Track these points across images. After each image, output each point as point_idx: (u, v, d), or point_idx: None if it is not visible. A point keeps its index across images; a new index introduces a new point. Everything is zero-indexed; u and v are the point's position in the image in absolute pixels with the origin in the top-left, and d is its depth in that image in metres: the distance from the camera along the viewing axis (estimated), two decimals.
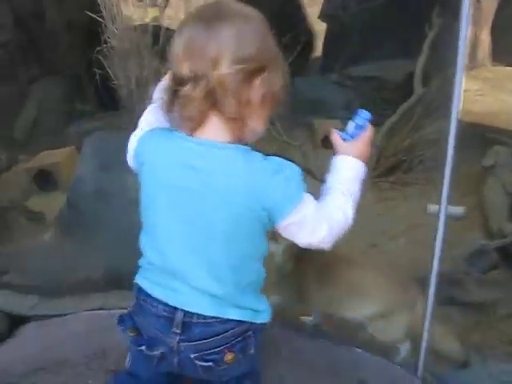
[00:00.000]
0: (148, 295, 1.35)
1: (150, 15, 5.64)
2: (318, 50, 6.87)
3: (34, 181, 4.13)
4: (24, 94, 5.02)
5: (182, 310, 1.31)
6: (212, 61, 1.19)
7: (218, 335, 1.32)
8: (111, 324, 1.39)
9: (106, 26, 3.24)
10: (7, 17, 4.80)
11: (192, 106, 1.21)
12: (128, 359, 1.45)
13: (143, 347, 1.36)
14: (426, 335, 1.62)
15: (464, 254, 3.43)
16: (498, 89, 6.29)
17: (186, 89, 1.19)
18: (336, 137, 1.42)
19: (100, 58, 3.23)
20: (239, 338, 1.34)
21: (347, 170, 1.39)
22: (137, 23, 3.34)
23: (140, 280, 1.39)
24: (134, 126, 1.44)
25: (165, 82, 1.38)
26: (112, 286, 2.33)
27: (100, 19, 3.22)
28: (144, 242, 1.38)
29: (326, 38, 6.53)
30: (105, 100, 4.77)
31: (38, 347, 1.72)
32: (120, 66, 3.25)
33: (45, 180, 4.13)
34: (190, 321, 1.31)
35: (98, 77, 3.20)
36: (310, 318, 2.36)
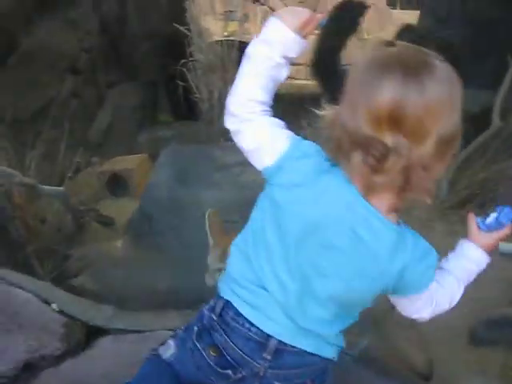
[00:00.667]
0: (239, 314, 1.28)
1: (228, 29, 5.70)
2: None
3: (106, 185, 4.20)
4: (102, 98, 5.13)
5: (278, 338, 1.27)
6: (421, 136, 1.10)
7: (307, 366, 1.29)
8: None
9: (191, 38, 3.25)
10: (94, 22, 4.93)
11: (381, 177, 1.11)
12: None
13: (229, 371, 1.29)
14: None
15: None
16: None
17: (391, 161, 1.09)
18: (472, 221, 1.39)
19: (184, 70, 3.26)
20: (320, 372, 1.32)
21: (471, 261, 1.39)
22: (222, 38, 3.35)
23: (230, 296, 1.30)
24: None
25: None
26: (183, 304, 2.30)
27: (187, 32, 3.24)
28: (246, 254, 1.28)
29: None
30: (180, 111, 4.82)
31: (117, 363, 1.71)
32: (203, 80, 3.26)
33: (117, 185, 4.19)
34: (283, 348, 1.27)
35: (180, 88, 3.23)
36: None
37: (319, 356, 1.29)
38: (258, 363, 1.27)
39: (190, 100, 3.61)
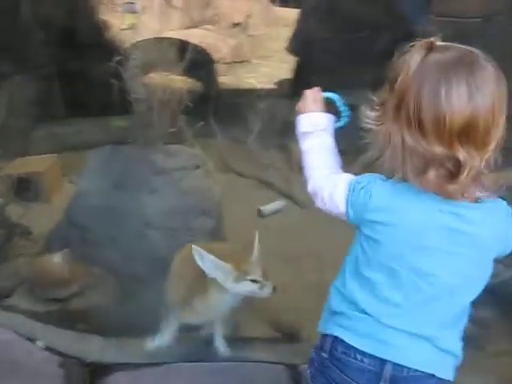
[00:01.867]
0: (349, 347, 1.27)
1: (126, 22, 5.43)
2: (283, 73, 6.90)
3: (13, 190, 3.80)
4: None
5: (392, 362, 1.26)
6: (487, 143, 1.15)
7: None
8: None
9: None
10: None
11: (454, 186, 1.17)
12: None
13: None
14: None
15: None
16: None
17: (463, 175, 1.14)
18: None
19: (119, 68, 3.03)
20: None
21: None
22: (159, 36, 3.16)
23: (338, 330, 1.30)
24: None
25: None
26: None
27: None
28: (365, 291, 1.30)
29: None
30: (76, 105, 4.54)
31: None
32: (140, 79, 3.06)
33: (25, 189, 3.80)
34: (399, 375, 1.26)
35: (115, 87, 3.00)
36: None
37: (436, 377, 1.28)
38: None
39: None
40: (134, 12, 5.44)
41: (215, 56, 6.19)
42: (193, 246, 1.94)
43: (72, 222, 3.07)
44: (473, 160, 1.13)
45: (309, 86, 1.53)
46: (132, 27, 5.32)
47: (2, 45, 4.62)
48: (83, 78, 4.48)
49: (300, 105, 1.48)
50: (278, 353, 2.19)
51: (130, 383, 1.59)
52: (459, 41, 1.23)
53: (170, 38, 3.09)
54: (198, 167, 2.91)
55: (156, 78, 3.14)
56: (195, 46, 3.31)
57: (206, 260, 1.91)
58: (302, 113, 1.47)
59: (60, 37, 4.66)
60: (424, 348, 1.27)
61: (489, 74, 1.14)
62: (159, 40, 3.08)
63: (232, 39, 6.88)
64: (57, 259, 2.64)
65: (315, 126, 1.44)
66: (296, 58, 6.14)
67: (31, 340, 1.65)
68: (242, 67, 6.91)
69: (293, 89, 6.31)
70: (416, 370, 1.26)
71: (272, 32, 7.92)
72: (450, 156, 1.13)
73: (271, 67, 7.17)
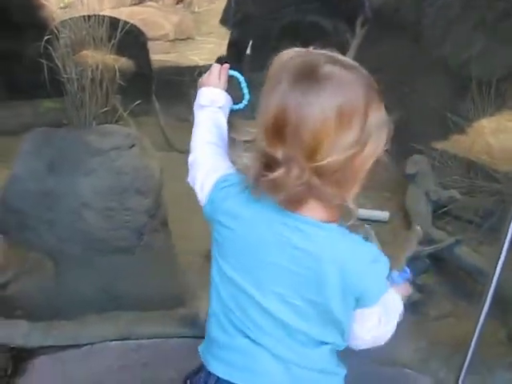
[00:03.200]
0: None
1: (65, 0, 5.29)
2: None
3: None
4: None
5: None
6: (309, 148, 1.04)
7: None
8: None
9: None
10: None
11: (282, 193, 1.09)
12: None
13: None
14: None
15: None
16: None
17: (277, 173, 1.06)
18: None
19: (49, 48, 2.97)
20: None
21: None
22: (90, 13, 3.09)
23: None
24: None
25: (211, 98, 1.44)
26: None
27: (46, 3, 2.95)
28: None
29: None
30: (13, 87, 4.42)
31: None
32: (71, 59, 3.00)
33: None
34: None
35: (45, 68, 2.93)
36: None
37: None
38: None
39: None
40: None
41: (158, 34, 6.11)
42: None
43: (7, 207, 3.01)
44: (295, 164, 1.05)
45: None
46: (69, 6, 5.18)
47: None
48: (19, 59, 4.35)
49: (204, 78, 1.48)
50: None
51: (53, 366, 1.58)
52: None
53: (101, 16, 3.02)
54: (133, 146, 2.87)
55: (87, 56, 3.07)
56: (127, 24, 3.25)
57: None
58: (205, 86, 1.47)
59: None
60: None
61: (328, 85, 1.06)
62: (89, 18, 3.01)
63: (175, 16, 6.78)
64: None
65: (213, 102, 1.44)
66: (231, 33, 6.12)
67: None
68: (186, 44, 6.83)
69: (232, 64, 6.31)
70: None
71: (215, 8, 7.85)
72: (269, 155, 1.08)
73: (214, 43, 7.12)
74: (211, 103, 1.44)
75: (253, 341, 1.21)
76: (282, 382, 1.21)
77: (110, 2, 6.77)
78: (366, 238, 1.25)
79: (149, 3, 6.96)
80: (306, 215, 1.14)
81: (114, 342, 1.57)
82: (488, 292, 1.74)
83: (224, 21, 6.73)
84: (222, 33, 7.52)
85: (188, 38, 7.03)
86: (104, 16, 3.02)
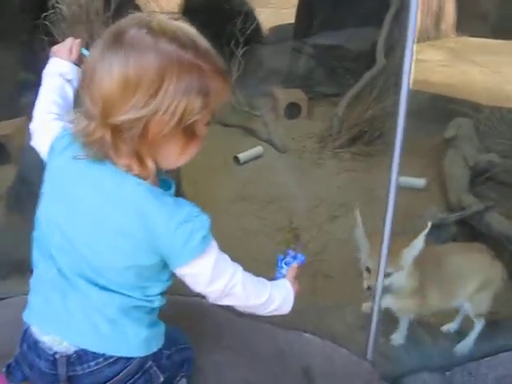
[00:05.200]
0: None
1: None
2: (280, 18, 6.79)
3: None
4: None
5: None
6: (104, 107, 1.10)
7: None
8: None
9: None
10: None
11: (87, 141, 1.15)
12: None
13: None
14: (374, 317, 1.56)
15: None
16: (461, 59, 6.29)
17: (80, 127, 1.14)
18: None
19: (47, 24, 3.08)
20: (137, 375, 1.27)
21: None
22: None
23: None
24: None
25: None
26: None
27: None
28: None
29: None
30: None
31: None
32: (69, 33, 3.10)
33: None
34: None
35: (46, 43, 3.05)
36: None
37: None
38: None
39: None
40: None
41: None
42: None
43: (22, 178, 3.19)
44: (94, 120, 1.11)
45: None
46: None
47: None
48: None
49: (56, 48, 1.51)
50: None
51: None
52: None
53: None
54: None
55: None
56: None
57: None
58: (55, 56, 1.50)
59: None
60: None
61: (122, 50, 1.09)
62: None
63: None
64: None
65: (62, 74, 1.48)
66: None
67: None
68: (239, 15, 6.78)
69: (287, 34, 6.25)
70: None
71: None
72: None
73: (269, 14, 7.05)
74: (60, 75, 1.49)
75: None
76: None
77: None
78: None
79: None
80: (120, 166, 1.16)
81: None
82: None
83: None
84: (280, 2, 7.44)
85: (241, 10, 7.01)
86: None
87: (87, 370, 1.22)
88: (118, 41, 1.10)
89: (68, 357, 1.21)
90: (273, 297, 1.34)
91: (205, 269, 1.20)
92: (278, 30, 6.46)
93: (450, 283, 2.33)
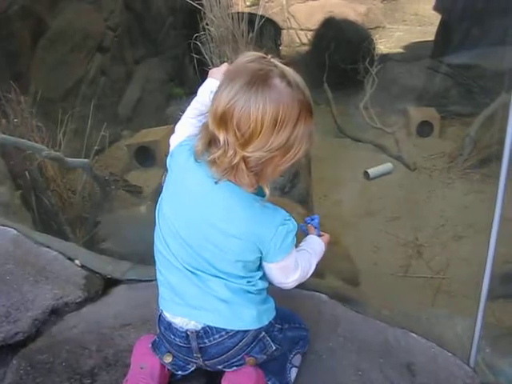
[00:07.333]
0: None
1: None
2: (415, 35, 6.81)
3: (135, 157, 4.43)
4: (129, 73, 5.32)
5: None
6: (244, 139, 1.28)
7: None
8: None
9: (204, 12, 3.40)
10: (117, 2, 5.12)
11: (216, 167, 1.33)
12: None
13: None
14: (478, 322, 1.62)
15: None
16: None
17: (217, 154, 1.31)
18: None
19: (198, 43, 3.41)
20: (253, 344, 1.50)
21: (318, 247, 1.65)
22: (233, 11, 3.46)
23: None
24: None
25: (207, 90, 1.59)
26: None
27: (199, 6, 3.38)
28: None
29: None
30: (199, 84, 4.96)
31: (127, 306, 1.94)
32: (216, 52, 3.40)
33: (145, 156, 4.40)
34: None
35: (195, 62, 3.38)
36: None
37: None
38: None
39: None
40: None
41: None
42: None
43: None
44: (231, 149, 1.28)
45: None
46: (255, 4, 5.59)
47: (134, 32, 5.29)
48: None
49: (213, 70, 1.67)
50: None
51: (127, 291, 2.07)
52: None
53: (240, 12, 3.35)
54: None
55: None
56: (262, 18, 3.54)
57: None
58: (213, 77, 1.64)
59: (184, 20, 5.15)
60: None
61: (272, 95, 1.28)
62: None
63: (362, 6, 6.92)
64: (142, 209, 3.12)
65: (213, 93, 1.67)
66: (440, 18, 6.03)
67: (71, 259, 2.17)
68: (376, 33, 6.87)
69: (423, 52, 6.24)
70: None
71: None
72: (214, 135, 1.31)
73: (404, 31, 7.07)
74: (211, 93, 1.66)
75: None
76: None
77: None
78: None
79: None
80: (234, 182, 1.37)
81: None
82: None
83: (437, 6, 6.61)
84: (416, 20, 7.43)
85: (377, 27, 7.09)
86: (243, 13, 3.36)
87: (213, 342, 1.47)
88: (262, 85, 1.29)
89: (197, 332, 1.47)
90: (316, 257, 1.60)
91: (291, 262, 1.48)
92: (413, 47, 6.47)
93: None
